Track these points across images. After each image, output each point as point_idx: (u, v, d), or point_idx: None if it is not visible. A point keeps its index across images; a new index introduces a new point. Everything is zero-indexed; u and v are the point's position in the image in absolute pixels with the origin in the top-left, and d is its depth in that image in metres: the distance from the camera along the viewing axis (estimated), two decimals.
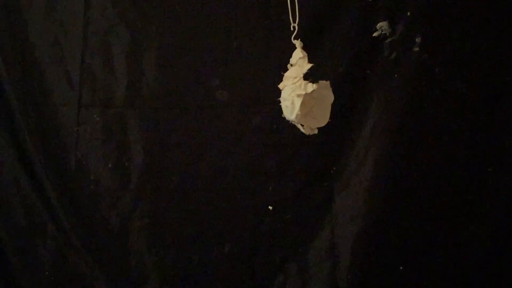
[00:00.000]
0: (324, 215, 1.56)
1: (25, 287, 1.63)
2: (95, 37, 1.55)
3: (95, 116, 1.57)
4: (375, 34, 1.47)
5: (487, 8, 1.46)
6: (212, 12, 1.52)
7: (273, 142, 1.54)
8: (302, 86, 1.15)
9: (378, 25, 1.47)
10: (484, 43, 1.47)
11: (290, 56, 1.20)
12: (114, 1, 1.53)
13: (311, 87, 1.15)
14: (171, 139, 1.57)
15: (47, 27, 1.56)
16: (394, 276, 1.55)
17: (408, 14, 1.46)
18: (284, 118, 1.19)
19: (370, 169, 1.51)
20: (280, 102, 1.20)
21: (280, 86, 1.21)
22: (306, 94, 1.17)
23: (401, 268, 1.54)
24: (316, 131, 1.25)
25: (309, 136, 1.30)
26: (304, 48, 1.26)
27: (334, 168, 1.55)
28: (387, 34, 1.46)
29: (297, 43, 1.20)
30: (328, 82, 1.25)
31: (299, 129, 1.26)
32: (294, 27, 1.21)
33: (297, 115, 1.16)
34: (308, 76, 1.25)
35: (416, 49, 1.47)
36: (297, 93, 1.16)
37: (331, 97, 1.24)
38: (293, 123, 1.19)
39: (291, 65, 1.22)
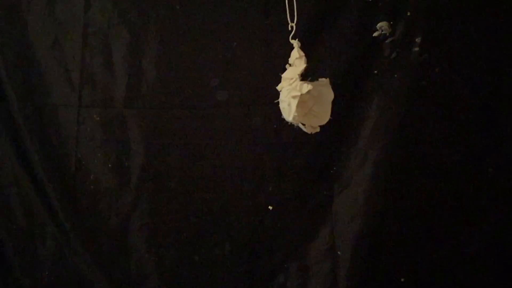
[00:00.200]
0: (324, 215, 1.56)
1: (25, 287, 1.63)
2: (95, 37, 1.55)
3: (95, 116, 1.57)
4: (375, 34, 1.47)
5: (487, 8, 1.46)
6: (212, 12, 1.52)
7: (273, 142, 1.54)
8: (298, 87, 1.16)
9: (378, 25, 1.47)
10: (484, 43, 1.47)
11: (290, 56, 1.20)
12: (114, 1, 1.53)
13: (306, 87, 1.15)
14: (171, 139, 1.57)
15: (47, 27, 1.57)
16: (394, 276, 1.55)
17: (408, 14, 1.46)
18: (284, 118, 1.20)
19: (370, 169, 1.51)
20: (278, 103, 1.21)
21: (278, 87, 1.21)
22: (305, 93, 1.17)
23: (401, 268, 1.54)
24: (318, 129, 1.25)
25: (309, 136, 1.31)
26: (304, 48, 1.26)
27: (334, 168, 1.55)
28: (387, 34, 1.46)
29: (295, 43, 1.20)
30: (327, 79, 1.25)
31: (299, 129, 1.26)
32: (292, 26, 1.21)
33: (294, 116, 1.16)
34: (308, 76, 1.26)
35: (416, 49, 1.47)
36: (293, 95, 1.16)
37: (331, 95, 1.24)
38: (293, 123, 1.19)
39: (290, 65, 1.22)
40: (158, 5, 1.53)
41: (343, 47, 1.49)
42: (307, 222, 1.57)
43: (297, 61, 1.20)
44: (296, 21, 1.23)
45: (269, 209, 1.57)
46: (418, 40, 1.46)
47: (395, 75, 1.49)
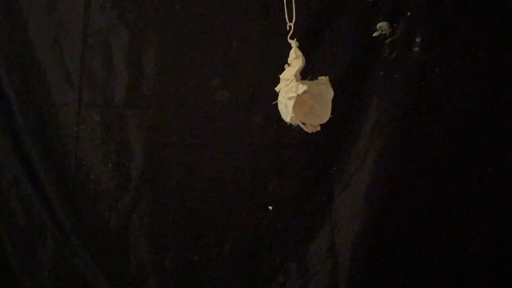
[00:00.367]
0: (324, 215, 1.56)
1: (25, 287, 1.63)
2: (95, 37, 1.55)
3: (95, 116, 1.57)
4: (375, 34, 1.47)
5: (487, 8, 1.46)
6: (212, 12, 1.52)
7: (273, 142, 1.54)
8: (294, 88, 1.16)
9: (378, 25, 1.47)
10: (484, 43, 1.47)
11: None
12: (114, 1, 1.53)
13: (301, 88, 1.15)
14: (171, 139, 1.57)
15: (47, 27, 1.56)
16: (394, 276, 1.55)
17: (408, 14, 1.46)
18: None
19: (370, 169, 1.51)
20: (277, 104, 1.21)
21: (277, 88, 1.21)
22: (305, 92, 1.17)
23: (401, 268, 1.54)
24: (318, 128, 1.25)
25: (309, 136, 1.31)
26: (303, 48, 1.26)
27: (334, 168, 1.55)
28: (387, 34, 1.46)
29: (293, 42, 1.20)
30: (327, 77, 1.25)
31: (299, 129, 1.26)
32: (290, 26, 1.21)
33: (291, 117, 1.16)
34: (307, 75, 1.26)
35: (416, 49, 1.47)
36: (289, 96, 1.16)
37: (330, 93, 1.24)
38: (292, 123, 1.19)
39: (289, 65, 1.22)
40: (158, 5, 1.53)
41: (343, 47, 1.49)
42: (307, 222, 1.57)
43: (294, 61, 1.20)
44: (296, 21, 1.22)
45: (269, 209, 1.57)
46: (418, 40, 1.46)
47: (395, 75, 1.49)
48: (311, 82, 1.26)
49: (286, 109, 1.17)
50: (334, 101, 1.25)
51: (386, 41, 1.47)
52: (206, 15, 1.52)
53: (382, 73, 1.49)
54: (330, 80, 1.26)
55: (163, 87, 1.55)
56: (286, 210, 1.57)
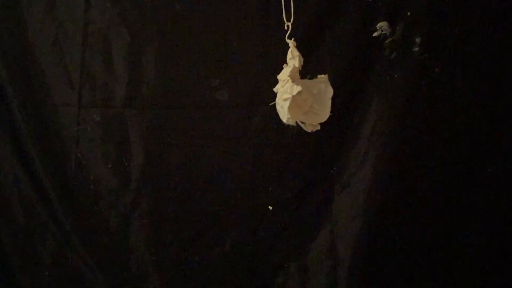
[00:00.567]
0: (324, 215, 1.56)
1: (25, 287, 1.63)
2: (95, 37, 1.55)
3: (95, 116, 1.57)
4: (375, 34, 1.47)
5: (487, 8, 1.46)
6: (212, 12, 1.52)
7: (273, 142, 1.54)
8: (289, 89, 1.16)
9: (378, 25, 1.47)
10: (484, 43, 1.47)
11: None
12: (114, 1, 1.53)
13: (296, 89, 1.15)
14: (171, 139, 1.57)
15: (47, 27, 1.56)
16: (394, 276, 1.55)
17: (408, 14, 1.46)
18: None
19: (370, 169, 1.51)
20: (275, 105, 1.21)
21: (275, 89, 1.21)
22: (305, 91, 1.18)
23: (401, 268, 1.54)
24: (318, 127, 1.25)
25: (309, 136, 1.31)
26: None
27: (334, 168, 1.55)
28: (387, 34, 1.46)
29: (290, 42, 1.20)
30: (326, 75, 1.25)
31: (299, 129, 1.26)
32: (288, 26, 1.21)
33: (288, 118, 1.16)
34: (307, 74, 1.26)
35: (416, 49, 1.47)
36: (284, 98, 1.16)
37: (330, 91, 1.24)
38: (291, 124, 1.19)
39: (287, 65, 1.22)
40: (158, 5, 1.53)
41: (343, 47, 1.49)
42: (307, 222, 1.57)
43: (290, 61, 1.20)
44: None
45: (269, 209, 1.57)
46: (418, 40, 1.46)
47: (395, 75, 1.49)
48: (310, 81, 1.26)
49: (282, 110, 1.17)
50: (334, 100, 1.25)
51: (386, 41, 1.47)
52: (206, 15, 1.52)
53: (382, 73, 1.49)
54: (330, 80, 1.26)
55: (163, 87, 1.55)
56: (286, 210, 1.57)
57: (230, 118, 1.55)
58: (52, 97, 1.58)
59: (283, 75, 1.18)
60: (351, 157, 1.53)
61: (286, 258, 1.59)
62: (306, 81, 1.26)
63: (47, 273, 1.62)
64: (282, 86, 1.17)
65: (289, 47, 1.20)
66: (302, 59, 1.20)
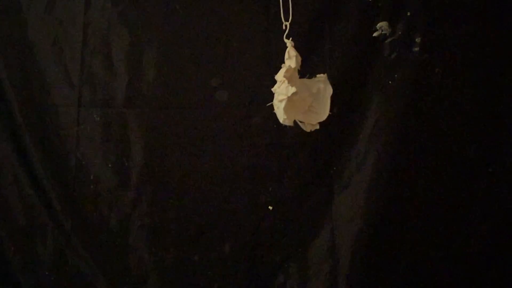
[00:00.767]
0: (324, 215, 1.56)
1: (25, 287, 1.63)
2: (95, 37, 1.55)
3: (95, 116, 1.57)
4: (375, 34, 1.47)
5: (487, 8, 1.46)
6: (212, 12, 1.52)
7: (273, 142, 1.54)
8: (284, 90, 1.16)
9: (378, 25, 1.47)
10: (484, 43, 1.47)
11: None
12: (114, 1, 1.53)
13: (291, 90, 1.15)
14: (171, 139, 1.57)
15: (47, 27, 1.56)
16: (394, 276, 1.55)
17: (408, 14, 1.46)
18: None
19: (370, 169, 1.51)
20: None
21: (273, 89, 1.21)
22: (304, 90, 1.18)
23: (401, 268, 1.54)
24: (317, 126, 1.25)
25: (309, 136, 1.31)
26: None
27: (334, 168, 1.55)
28: (387, 34, 1.46)
29: (288, 42, 1.20)
30: (325, 75, 1.25)
31: (299, 129, 1.26)
32: (286, 25, 1.21)
33: (284, 119, 1.16)
34: (307, 74, 1.26)
35: (416, 49, 1.47)
36: (280, 99, 1.16)
37: (329, 90, 1.24)
38: (288, 124, 1.19)
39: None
40: (158, 5, 1.53)
41: (343, 47, 1.49)
42: (307, 222, 1.57)
43: (287, 61, 1.20)
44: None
45: (269, 209, 1.57)
46: (418, 40, 1.46)
47: (395, 75, 1.49)
48: (309, 80, 1.26)
49: (279, 111, 1.17)
50: (334, 100, 1.25)
51: (386, 41, 1.47)
52: (206, 15, 1.52)
53: (382, 73, 1.49)
54: (330, 80, 1.26)
55: (163, 87, 1.55)
56: (286, 210, 1.57)
57: (230, 118, 1.55)
58: (52, 97, 1.58)
59: (280, 76, 1.19)
60: (351, 157, 1.53)
61: (286, 258, 1.59)
62: (305, 80, 1.26)
63: (47, 273, 1.62)
64: (279, 87, 1.18)
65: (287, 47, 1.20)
66: (300, 59, 1.20)
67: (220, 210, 1.58)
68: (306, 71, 1.27)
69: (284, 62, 1.22)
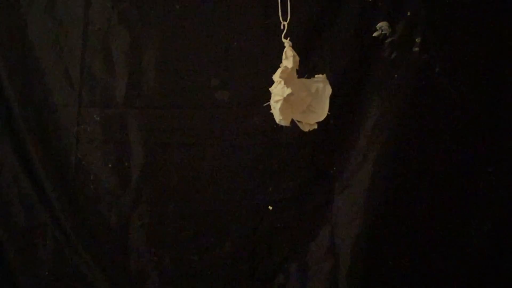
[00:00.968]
0: (324, 215, 1.56)
1: (25, 287, 1.63)
2: (95, 37, 1.55)
3: (95, 116, 1.57)
4: (375, 34, 1.47)
5: (487, 8, 1.46)
6: (212, 12, 1.52)
7: (273, 142, 1.54)
8: (280, 91, 1.16)
9: (378, 25, 1.47)
10: (484, 43, 1.47)
11: None
12: (114, 1, 1.53)
13: (287, 91, 1.15)
14: (171, 139, 1.57)
15: (47, 27, 1.56)
16: (394, 276, 1.55)
17: (408, 14, 1.46)
18: None
19: (370, 169, 1.51)
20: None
21: (270, 89, 1.21)
22: (302, 90, 1.18)
23: (401, 268, 1.54)
24: (315, 126, 1.26)
25: (309, 136, 1.31)
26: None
27: (334, 168, 1.55)
28: (387, 34, 1.46)
29: (286, 42, 1.20)
30: (324, 75, 1.25)
31: (298, 129, 1.26)
32: (284, 25, 1.21)
33: (280, 120, 1.16)
34: (306, 73, 1.26)
35: (416, 49, 1.47)
36: (276, 99, 1.16)
37: (328, 90, 1.25)
38: (284, 124, 1.20)
39: None
40: (158, 5, 1.53)
41: (343, 47, 1.49)
42: (307, 222, 1.57)
43: (285, 61, 1.20)
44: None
45: (269, 209, 1.57)
46: (418, 40, 1.46)
47: (395, 75, 1.49)
48: (307, 80, 1.26)
49: (275, 111, 1.17)
50: (334, 101, 1.25)
51: (386, 41, 1.47)
52: (206, 15, 1.52)
53: (382, 73, 1.49)
54: (330, 80, 1.26)
55: (163, 87, 1.55)
56: (286, 210, 1.57)
57: (230, 118, 1.55)
58: (52, 97, 1.58)
59: (276, 76, 1.19)
60: (351, 157, 1.53)
61: (286, 258, 1.59)
62: (303, 80, 1.26)
63: (47, 273, 1.62)
64: (275, 87, 1.18)
65: (293, 48, 1.20)
66: (297, 59, 1.20)
67: (220, 210, 1.58)
68: (306, 71, 1.27)
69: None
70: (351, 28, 1.48)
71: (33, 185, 1.60)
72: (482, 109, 1.50)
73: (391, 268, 1.54)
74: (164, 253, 1.60)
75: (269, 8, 1.47)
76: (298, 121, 1.25)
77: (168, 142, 1.57)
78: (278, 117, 1.17)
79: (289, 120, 1.19)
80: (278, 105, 1.15)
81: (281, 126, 1.24)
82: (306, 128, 1.25)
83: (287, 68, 1.18)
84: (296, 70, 1.22)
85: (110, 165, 1.59)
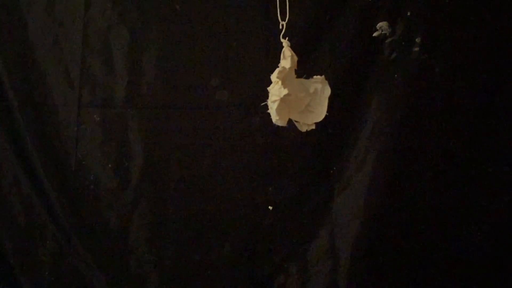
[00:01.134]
0: (324, 215, 1.56)
1: (25, 287, 1.63)
2: (95, 37, 1.55)
3: (95, 116, 1.57)
4: (375, 34, 1.47)
5: (487, 8, 1.46)
6: (212, 12, 1.52)
7: (273, 142, 1.54)
8: (277, 91, 1.16)
9: (378, 25, 1.47)
10: (484, 43, 1.47)
11: None
12: (114, 1, 1.53)
13: (283, 91, 1.15)
14: (171, 139, 1.57)
15: (47, 27, 1.56)
16: (394, 276, 1.55)
17: (408, 14, 1.46)
18: None
19: (370, 169, 1.51)
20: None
21: (268, 89, 1.21)
22: (301, 90, 1.18)
23: (401, 268, 1.54)
24: (313, 127, 1.26)
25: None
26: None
27: (334, 168, 1.55)
28: (387, 34, 1.46)
29: (284, 42, 1.20)
30: (323, 76, 1.25)
31: (298, 129, 1.26)
32: (282, 25, 1.21)
33: (276, 120, 1.17)
34: (305, 74, 1.26)
35: (416, 49, 1.47)
36: (273, 99, 1.16)
37: (327, 91, 1.25)
38: (280, 125, 1.20)
39: None
40: (158, 5, 1.53)
41: (343, 47, 1.49)
42: (307, 222, 1.57)
43: (282, 61, 1.20)
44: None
45: (269, 209, 1.57)
46: (418, 40, 1.46)
47: (395, 75, 1.49)
48: (306, 80, 1.26)
49: (272, 111, 1.18)
50: (334, 101, 1.25)
51: (386, 41, 1.47)
52: (206, 15, 1.52)
53: (382, 73, 1.49)
54: (330, 80, 1.26)
55: (163, 87, 1.55)
56: (286, 210, 1.57)
57: (230, 118, 1.55)
58: (52, 97, 1.58)
59: (274, 77, 1.19)
60: (351, 157, 1.53)
61: (286, 258, 1.59)
62: (302, 80, 1.26)
63: (47, 273, 1.62)
64: (273, 87, 1.18)
65: (293, 48, 1.20)
66: (295, 59, 1.20)
67: (220, 210, 1.58)
68: (306, 71, 1.27)
69: None
70: (351, 28, 1.48)
71: (33, 185, 1.60)
72: (482, 109, 1.50)
73: (391, 268, 1.54)
74: (164, 253, 1.60)
75: (269, 8, 1.48)
76: (296, 121, 1.25)
77: (168, 142, 1.57)
78: (274, 117, 1.17)
79: (286, 120, 1.20)
80: (275, 105, 1.16)
81: (281, 126, 1.24)
82: (303, 128, 1.25)
83: (285, 68, 1.18)
84: (295, 70, 1.22)
85: (110, 165, 1.59)
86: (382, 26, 1.46)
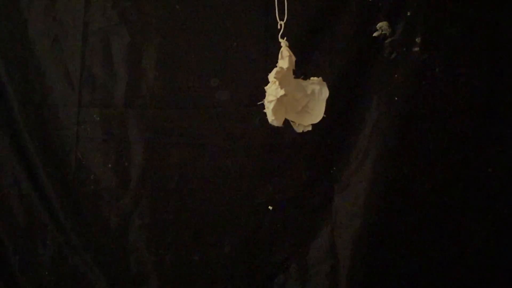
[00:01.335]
0: (324, 215, 1.56)
1: (25, 287, 1.63)
2: (95, 37, 1.55)
3: (95, 116, 1.57)
4: (375, 34, 1.47)
5: (487, 8, 1.46)
6: (212, 12, 1.52)
7: (273, 142, 1.54)
8: (274, 92, 1.16)
9: (378, 25, 1.47)
10: (484, 43, 1.47)
11: None
12: (114, 1, 1.53)
13: (280, 92, 1.15)
14: (171, 139, 1.57)
15: (47, 27, 1.56)
16: (394, 276, 1.55)
17: (408, 14, 1.46)
18: None
19: (370, 169, 1.51)
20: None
21: (266, 88, 1.21)
22: (299, 90, 1.18)
23: (401, 268, 1.54)
24: (310, 128, 1.26)
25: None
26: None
27: (334, 168, 1.55)
28: (387, 34, 1.46)
29: (283, 42, 1.20)
30: (320, 78, 1.25)
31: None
32: (280, 25, 1.21)
33: (272, 120, 1.17)
34: (305, 75, 1.26)
35: (416, 49, 1.47)
36: (269, 100, 1.16)
37: (325, 93, 1.25)
38: (276, 125, 1.20)
39: None
40: (158, 5, 1.53)
41: (343, 47, 1.49)
42: (307, 222, 1.57)
43: (280, 61, 1.20)
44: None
45: (269, 209, 1.57)
46: (418, 40, 1.46)
47: (395, 75, 1.49)
48: (304, 80, 1.26)
49: (268, 111, 1.18)
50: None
51: (386, 41, 1.47)
52: (206, 15, 1.52)
53: (382, 73, 1.49)
54: (330, 80, 1.26)
55: (163, 87, 1.55)
56: (286, 210, 1.57)
57: (230, 118, 1.55)
58: (52, 97, 1.58)
59: (271, 77, 1.19)
60: (351, 157, 1.53)
61: (286, 258, 1.59)
62: (300, 80, 1.26)
63: (47, 273, 1.62)
64: (270, 87, 1.18)
65: (293, 48, 1.20)
66: (293, 59, 1.20)
67: (220, 210, 1.58)
68: (306, 71, 1.27)
69: None
70: (351, 28, 1.48)
71: (33, 185, 1.60)
72: (482, 109, 1.50)
73: (391, 268, 1.54)
74: (164, 253, 1.60)
75: (269, 8, 1.47)
76: (292, 122, 1.25)
77: (168, 142, 1.57)
78: (270, 117, 1.17)
79: (282, 120, 1.20)
80: (271, 105, 1.16)
81: (281, 126, 1.24)
82: (300, 129, 1.25)
83: (283, 68, 1.18)
84: (293, 70, 1.22)
85: (110, 165, 1.59)
86: (382, 26, 1.46)
